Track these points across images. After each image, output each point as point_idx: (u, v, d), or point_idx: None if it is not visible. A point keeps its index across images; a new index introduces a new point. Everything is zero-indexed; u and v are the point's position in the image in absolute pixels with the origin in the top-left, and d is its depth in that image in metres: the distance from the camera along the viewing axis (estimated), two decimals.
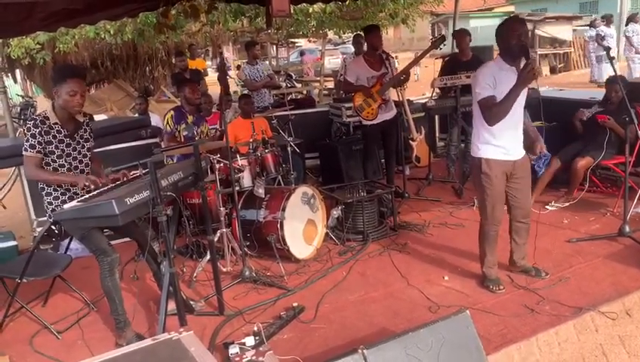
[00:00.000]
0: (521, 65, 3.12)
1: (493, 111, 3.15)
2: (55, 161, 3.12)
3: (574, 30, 17.92)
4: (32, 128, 3.03)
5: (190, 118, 4.57)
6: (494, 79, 3.17)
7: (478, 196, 3.53)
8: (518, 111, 3.28)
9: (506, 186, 3.42)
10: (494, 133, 3.28)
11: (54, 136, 3.10)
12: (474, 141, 3.43)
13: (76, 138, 3.22)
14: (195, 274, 4.01)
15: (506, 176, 3.38)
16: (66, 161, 3.16)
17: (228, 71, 14.81)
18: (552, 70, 17.10)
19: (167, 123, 4.51)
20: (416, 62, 5.42)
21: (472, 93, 3.52)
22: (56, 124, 3.11)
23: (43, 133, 3.05)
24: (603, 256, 3.87)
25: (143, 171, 3.00)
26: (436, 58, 6.74)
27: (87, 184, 3.00)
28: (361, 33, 8.37)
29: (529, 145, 3.61)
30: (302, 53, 17.94)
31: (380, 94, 5.14)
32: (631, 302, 3.24)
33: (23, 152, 3.06)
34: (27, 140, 3.03)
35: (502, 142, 3.30)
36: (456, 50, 6.16)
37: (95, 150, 3.48)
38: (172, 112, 4.56)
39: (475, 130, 3.42)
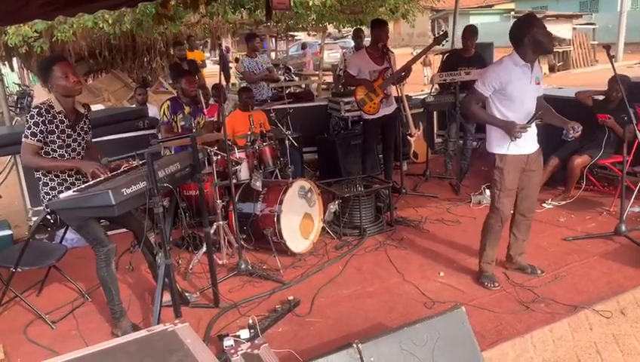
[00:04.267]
0: (539, 64, 3.16)
1: (472, 109, 3.32)
2: (55, 151, 3.11)
3: (574, 29, 17.91)
4: (36, 116, 3.01)
5: (187, 109, 4.54)
6: (501, 82, 3.19)
7: (491, 188, 3.54)
8: (530, 104, 3.28)
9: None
10: None
11: (57, 126, 3.09)
12: (488, 136, 3.43)
13: (77, 130, 3.22)
14: (190, 266, 4.01)
15: (520, 171, 3.37)
16: (65, 152, 3.15)
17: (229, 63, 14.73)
18: (551, 69, 17.09)
19: (164, 113, 4.49)
20: (417, 58, 5.39)
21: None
22: (60, 112, 3.10)
23: (47, 122, 3.04)
24: (599, 255, 3.88)
25: (140, 162, 2.99)
26: (436, 54, 6.73)
27: (94, 171, 2.97)
28: (361, 27, 8.35)
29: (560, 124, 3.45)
30: (303, 47, 17.97)
31: (382, 88, 5.13)
32: (626, 301, 3.25)
33: (23, 138, 3.03)
34: (29, 127, 3.01)
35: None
36: (457, 47, 6.14)
37: (93, 140, 3.46)
38: (168, 102, 4.53)
39: (490, 125, 3.41)
